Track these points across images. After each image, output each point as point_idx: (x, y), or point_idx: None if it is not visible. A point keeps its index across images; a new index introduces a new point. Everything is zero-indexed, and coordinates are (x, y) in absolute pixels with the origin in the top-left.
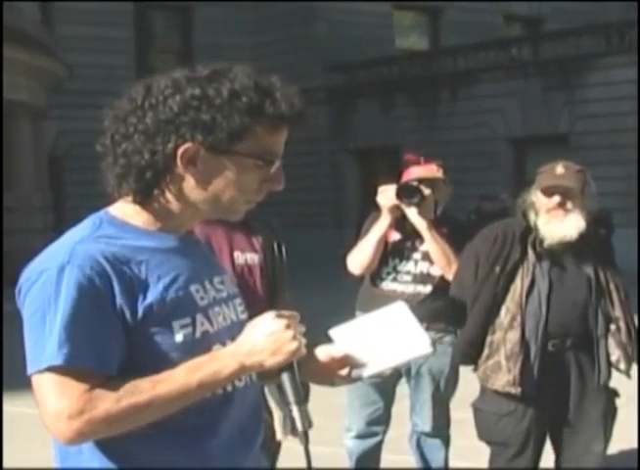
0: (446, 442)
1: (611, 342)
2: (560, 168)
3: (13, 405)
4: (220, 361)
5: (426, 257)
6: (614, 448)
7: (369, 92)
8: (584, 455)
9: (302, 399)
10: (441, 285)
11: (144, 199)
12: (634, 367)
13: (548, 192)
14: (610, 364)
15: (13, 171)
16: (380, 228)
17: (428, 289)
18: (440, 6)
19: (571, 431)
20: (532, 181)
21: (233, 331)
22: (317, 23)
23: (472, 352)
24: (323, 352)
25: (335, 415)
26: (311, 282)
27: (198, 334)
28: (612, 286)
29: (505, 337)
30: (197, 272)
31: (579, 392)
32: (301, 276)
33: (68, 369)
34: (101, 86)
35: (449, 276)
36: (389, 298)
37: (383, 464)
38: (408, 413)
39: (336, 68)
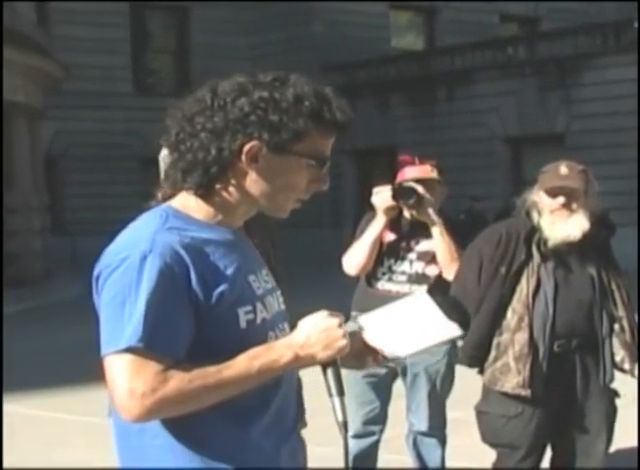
0: (443, 441)
1: (615, 342)
2: (564, 169)
3: (13, 406)
4: (277, 352)
5: (421, 257)
6: (614, 449)
7: (366, 92)
8: (587, 456)
9: (343, 392)
10: (437, 285)
11: (205, 192)
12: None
13: (553, 193)
14: (614, 364)
15: (10, 172)
16: (375, 229)
17: (423, 289)
18: (436, 6)
19: (574, 431)
20: (531, 180)
21: (278, 320)
22: (314, 23)
23: (479, 355)
24: (354, 338)
25: (331, 415)
26: (309, 281)
27: (258, 320)
28: (614, 286)
29: (513, 338)
30: (250, 264)
31: (584, 392)
32: (299, 275)
33: (145, 351)
34: (98, 87)
35: (449, 274)
36: (385, 298)
37: (380, 464)
38: (404, 413)
39: (333, 68)
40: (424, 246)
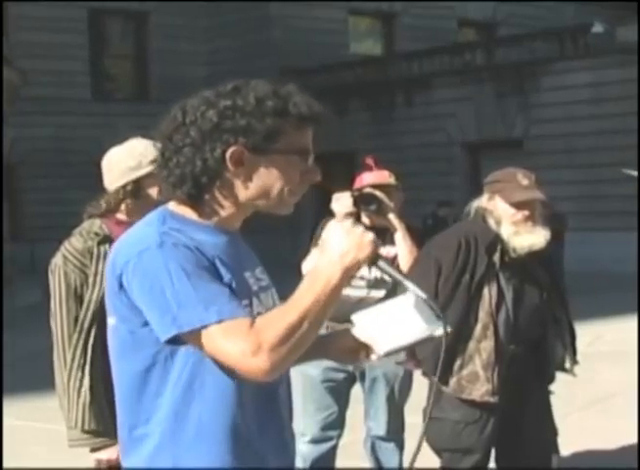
0: (401, 446)
1: (556, 342)
2: (523, 179)
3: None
4: (324, 273)
5: None
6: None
7: (324, 97)
8: (546, 454)
9: (402, 273)
10: (395, 290)
11: (195, 202)
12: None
13: (519, 206)
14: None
15: None
16: None
17: (381, 293)
18: (395, 11)
19: (525, 431)
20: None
21: None
22: (272, 29)
23: (444, 364)
24: (347, 335)
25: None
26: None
27: (255, 314)
28: (553, 288)
29: (479, 347)
30: (245, 262)
31: (532, 392)
32: None
33: (221, 322)
34: (56, 93)
35: None
36: (343, 303)
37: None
38: (362, 418)
39: (291, 73)
40: (382, 251)
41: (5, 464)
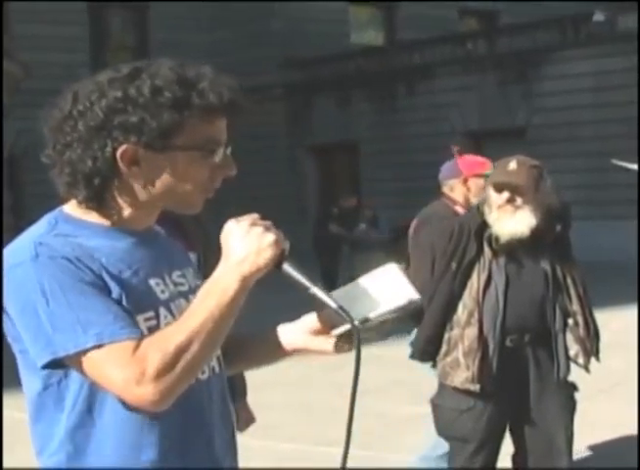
0: None
1: (569, 336)
2: (512, 164)
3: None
4: (219, 284)
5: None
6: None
7: (326, 88)
8: (548, 452)
9: (314, 281)
10: None
11: (97, 204)
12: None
13: (498, 188)
14: (568, 359)
15: None
16: None
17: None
18: (396, 1)
19: (531, 426)
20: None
21: None
22: (274, 19)
23: (430, 349)
24: (319, 320)
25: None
26: (272, 278)
27: (162, 327)
28: (569, 280)
29: (463, 333)
30: (156, 266)
31: (538, 387)
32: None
33: (101, 346)
34: (58, 85)
35: None
36: None
37: None
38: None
39: (292, 64)
40: None
41: (5, 455)
